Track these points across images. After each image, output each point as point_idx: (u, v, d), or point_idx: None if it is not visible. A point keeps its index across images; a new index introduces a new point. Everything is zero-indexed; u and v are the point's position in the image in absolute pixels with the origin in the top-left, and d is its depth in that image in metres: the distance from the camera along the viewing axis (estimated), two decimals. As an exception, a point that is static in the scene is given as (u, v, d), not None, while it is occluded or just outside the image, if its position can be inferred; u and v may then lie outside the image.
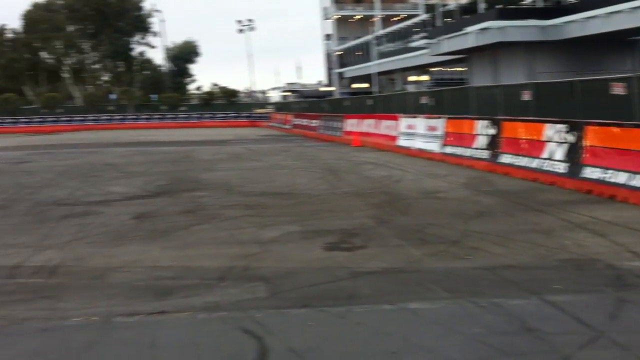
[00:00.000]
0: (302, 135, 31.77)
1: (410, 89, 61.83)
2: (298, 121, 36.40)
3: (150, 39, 69.24)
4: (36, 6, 65.59)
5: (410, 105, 20.50)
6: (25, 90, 63.84)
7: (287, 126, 39.24)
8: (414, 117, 17.98)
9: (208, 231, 7.65)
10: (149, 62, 71.22)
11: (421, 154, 16.58)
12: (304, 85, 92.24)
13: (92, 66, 69.17)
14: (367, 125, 22.93)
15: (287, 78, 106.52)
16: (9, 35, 66.24)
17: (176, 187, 12.04)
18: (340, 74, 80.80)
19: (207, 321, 4.36)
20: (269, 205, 9.50)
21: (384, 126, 20.74)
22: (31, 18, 63.94)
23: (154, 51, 75.13)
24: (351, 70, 77.00)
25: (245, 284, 5.25)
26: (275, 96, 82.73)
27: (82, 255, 6.50)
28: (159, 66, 72.55)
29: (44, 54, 66.03)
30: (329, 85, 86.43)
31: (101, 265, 6.08)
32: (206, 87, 68.23)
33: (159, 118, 52.59)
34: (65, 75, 65.96)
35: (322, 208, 9.13)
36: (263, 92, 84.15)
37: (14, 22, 76.04)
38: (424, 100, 19.46)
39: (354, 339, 4.02)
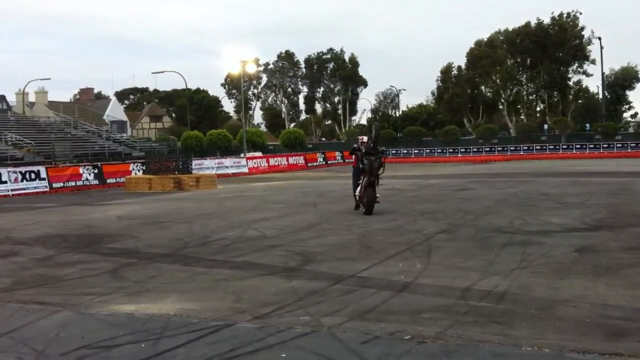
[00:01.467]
0: None
1: None
2: None
3: (586, 67, 67.17)
4: (479, 44, 70.13)
5: None
6: (464, 122, 68.69)
7: None
8: None
9: (660, 272, 7.03)
10: (585, 90, 69.12)
11: None
12: None
13: (528, 97, 70.44)
14: None
15: None
16: (454, 72, 72.47)
17: (617, 221, 11.37)
18: None
19: (669, 372, 4.02)
20: None
21: None
22: (474, 55, 68.65)
23: (589, 79, 72.71)
24: None
25: None
26: None
27: (527, 284, 6.66)
28: (594, 94, 69.78)
29: (483, 88, 70.07)
30: None
31: (546, 297, 6.12)
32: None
33: (593, 147, 50.42)
34: (502, 107, 68.67)
35: None
36: None
37: (459, 60, 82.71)
38: None
39: None
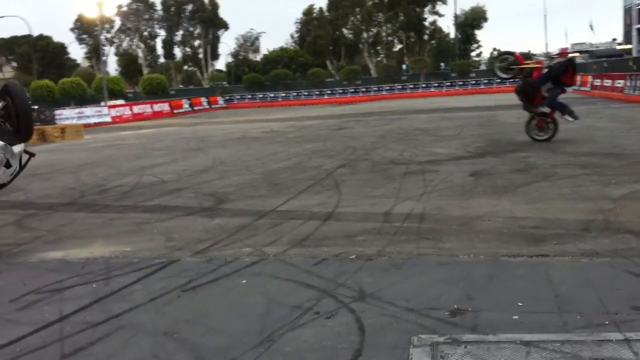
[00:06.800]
0: (604, 97, 29.69)
1: None
2: (598, 82, 34.16)
3: (439, 7, 70.17)
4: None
5: None
6: (327, 64, 69.71)
7: (585, 88, 37.03)
8: None
9: (549, 188, 7.85)
10: (439, 31, 72.33)
11: None
12: (591, 44, 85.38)
13: (387, 38, 72.56)
14: (691, 82, 20.72)
15: (576, 38, 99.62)
16: (316, 14, 72.81)
17: (496, 148, 12.35)
18: (640, 30, 72.98)
19: (592, 265, 4.64)
20: (603, 165, 9.32)
21: None
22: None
23: (441, 19, 76.15)
24: (654, 25, 69.11)
25: (614, 236, 5.40)
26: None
27: (439, 206, 7.21)
28: (447, 34, 73.29)
29: (344, 30, 71.16)
30: (625, 42, 78.76)
31: (461, 215, 6.69)
32: (487, 53, 67.45)
33: (449, 85, 53.24)
34: (362, 47, 70.33)
35: (665, 168, 8.73)
36: (549, 54, 79.72)
37: (320, 2, 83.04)
38: None
39: None
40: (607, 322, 3.59)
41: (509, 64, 13.13)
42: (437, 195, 7.90)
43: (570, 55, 13.03)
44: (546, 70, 12.68)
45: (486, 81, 52.62)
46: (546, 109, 12.73)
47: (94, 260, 5.80)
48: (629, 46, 73.78)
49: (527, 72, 12.79)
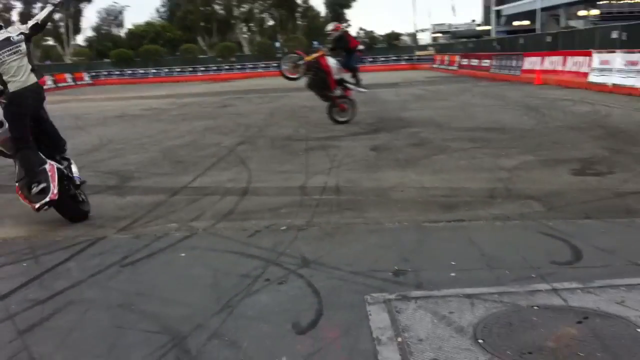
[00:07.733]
0: (471, 76, 31.65)
1: (576, 25, 59.09)
2: (465, 61, 36.30)
3: (309, -16, 70.67)
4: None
5: (597, 41, 20.08)
6: (199, 40, 68.21)
7: (452, 67, 39.18)
8: (612, 52, 17.54)
9: (447, 161, 8.42)
10: (311, 9, 72.95)
11: (618, 89, 16.30)
12: (450, 25, 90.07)
13: (259, 15, 72.10)
14: (550, 62, 22.61)
15: (439, 19, 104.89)
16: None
17: (387, 124, 12.88)
18: (498, 12, 78.25)
19: (506, 227, 5.14)
20: (490, 139, 10.08)
21: (572, 63, 20.41)
22: (206, -29, 67.61)
23: (312, -2, 76.73)
24: (510, 8, 74.37)
25: (518, 201, 5.97)
26: (424, 38, 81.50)
27: (350, 179, 7.54)
28: (318, 13, 74.12)
29: (216, 6, 69.84)
30: (483, 24, 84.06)
31: (374, 187, 7.06)
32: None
33: (323, 63, 53.80)
34: (235, 24, 69.45)
35: (544, 141, 9.60)
36: (412, 34, 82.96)
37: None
38: (614, 35, 18.98)
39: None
40: (533, 275, 4.04)
41: (295, 63, 13.48)
42: (345, 169, 8.23)
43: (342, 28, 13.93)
44: (333, 46, 13.48)
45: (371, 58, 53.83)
46: (339, 92, 13.33)
47: (12, 240, 5.57)
48: (487, 27, 78.72)
49: (315, 64, 13.13)
